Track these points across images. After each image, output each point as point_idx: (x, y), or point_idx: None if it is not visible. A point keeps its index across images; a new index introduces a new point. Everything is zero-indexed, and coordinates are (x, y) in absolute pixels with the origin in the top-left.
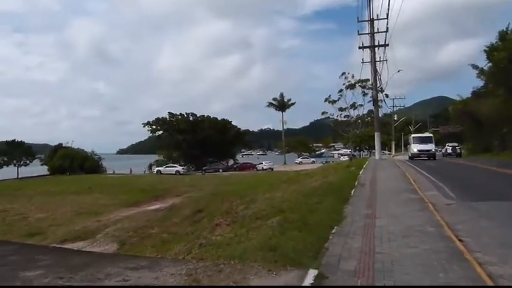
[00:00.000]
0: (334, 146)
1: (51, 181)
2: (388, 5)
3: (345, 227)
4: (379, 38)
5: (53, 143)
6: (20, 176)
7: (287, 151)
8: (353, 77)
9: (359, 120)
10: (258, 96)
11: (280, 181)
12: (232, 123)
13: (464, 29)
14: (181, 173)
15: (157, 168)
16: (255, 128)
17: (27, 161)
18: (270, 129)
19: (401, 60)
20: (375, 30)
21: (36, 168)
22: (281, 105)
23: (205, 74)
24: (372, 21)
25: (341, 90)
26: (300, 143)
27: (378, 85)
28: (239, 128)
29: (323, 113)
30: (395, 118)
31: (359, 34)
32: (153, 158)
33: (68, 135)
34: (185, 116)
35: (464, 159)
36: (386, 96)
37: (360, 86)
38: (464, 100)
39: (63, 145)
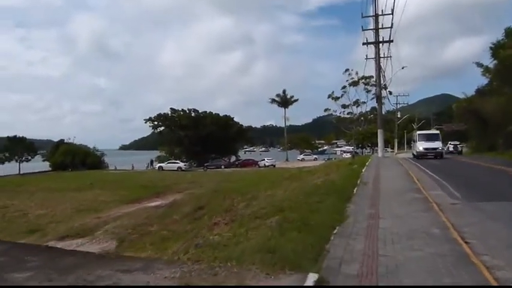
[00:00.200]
0: (336, 143)
1: (53, 177)
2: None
3: (347, 227)
4: (383, 34)
5: (56, 138)
6: (21, 172)
7: (289, 148)
8: (357, 73)
9: (362, 118)
10: (260, 93)
11: (282, 178)
12: (235, 119)
13: (469, 27)
14: (183, 169)
15: (159, 165)
16: (257, 124)
17: (29, 157)
18: (273, 125)
19: (406, 58)
20: (380, 26)
21: (38, 164)
22: (284, 101)
23: (208, 70)
24: (376, 16)
25: (344, 87)
26: (302, 140)
27: (382, 82)
28: (241, 125)
29: (326, 110)
30: (399, 115)
31: (363, 30)
32: (156, 154)
33: (71, 131)
34: (187, 111)
35: (468, 157)
36: (390, 93)
37: (363, 83)
38: (469, 98)
39: (65, 141)
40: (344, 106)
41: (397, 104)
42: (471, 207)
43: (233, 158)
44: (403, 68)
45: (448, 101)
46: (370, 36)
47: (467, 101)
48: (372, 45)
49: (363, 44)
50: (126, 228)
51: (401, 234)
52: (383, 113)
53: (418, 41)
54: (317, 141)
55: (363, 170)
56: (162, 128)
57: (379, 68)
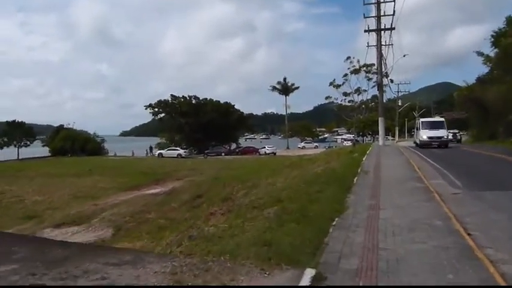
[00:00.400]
0: (337, 131)
1: (52, 163)
2: None
3: (347, 219)
4: (385, 22)
5: (56, 124)
6: (20, 157)
7: (290, 135)
8: (358, 61)
9: (363, 106)
10: (262, 80)
11: (283, 166)
12: (236, 106)
13: (471, 15)
14: (183, 156)
15: (158, 151)
16: (258, 111)
17: (28, 142)
18: (274, 113)
19: (407, 46)
20: (381, 14)
21: (38, 150)
22: (285, 89)
23: (209, 57)
24: (378, 3)
25: (346, 75)
26: (303, 128)
27: (383, 70)
28: (242, 112)
29: (327, 98)
30: (400, 103)
31: (365, 17)
32: (157, 140)
33: (72, 117)
34: (188, 98)
35: (469, 145)
36: (391, 81)
37: (364, 70)
38: (470, 86)
39: (65, 126)
40: (345, 94)
41: (398, 92)
42: (472, 197)
43: (233, 146)
44: (404, 56)
45: (449, 89)
46: (372, 24)
47: (468, 89)
48: (374, 33)
49: (365, 31)
50: (123, 216)
51: (402, 226)
52: (384, 101)
53: (420, 29)
54: (318, 129)
55: (364, 159)
56: (163, 114)
57: (380, 56)
